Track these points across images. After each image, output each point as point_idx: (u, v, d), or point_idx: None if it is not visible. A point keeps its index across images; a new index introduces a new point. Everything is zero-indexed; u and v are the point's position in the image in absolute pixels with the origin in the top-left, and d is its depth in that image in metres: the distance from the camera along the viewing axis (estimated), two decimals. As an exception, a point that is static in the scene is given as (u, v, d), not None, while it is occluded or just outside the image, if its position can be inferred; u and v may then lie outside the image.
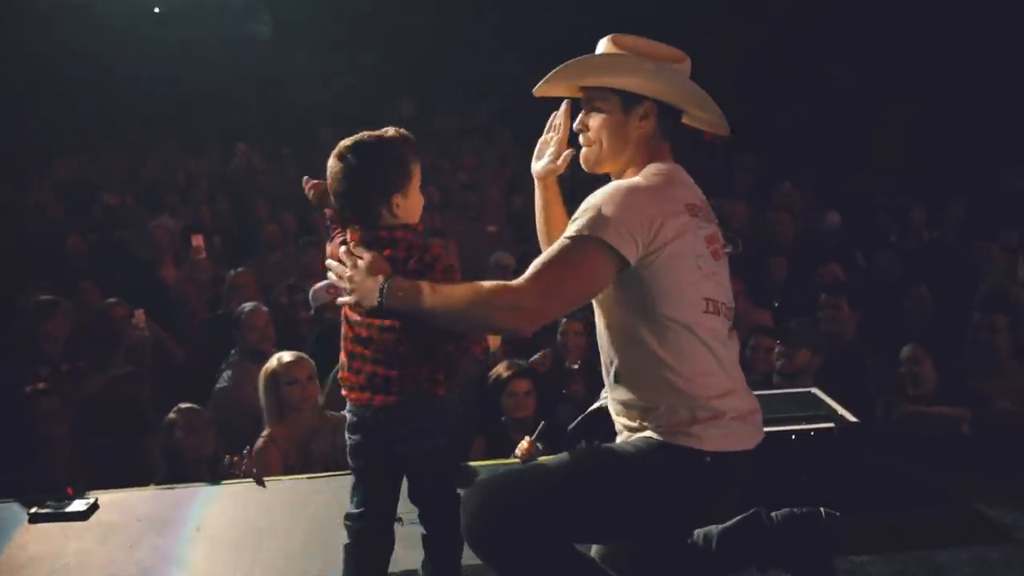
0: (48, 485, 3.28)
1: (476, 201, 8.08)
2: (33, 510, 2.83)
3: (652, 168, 1.96)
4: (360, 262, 1.92)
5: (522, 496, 1.85)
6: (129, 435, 3.65)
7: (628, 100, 2.00)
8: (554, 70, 2.02)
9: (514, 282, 1.82)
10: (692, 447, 1.83)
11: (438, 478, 2.09)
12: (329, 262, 2.04)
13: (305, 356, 3.68)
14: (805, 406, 2.87)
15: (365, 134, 2.01)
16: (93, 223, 7.96)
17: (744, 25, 11.64)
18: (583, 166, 2.09)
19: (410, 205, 2.03)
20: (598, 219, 1.80)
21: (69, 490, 2.93)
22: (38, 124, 12.42)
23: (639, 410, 1.92)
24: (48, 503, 2.87)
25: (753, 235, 6.20)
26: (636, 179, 1.93)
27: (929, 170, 8.52)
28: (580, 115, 2.07)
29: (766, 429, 2.09)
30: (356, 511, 2.12)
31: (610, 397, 2.06)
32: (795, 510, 2.06)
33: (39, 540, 2.71)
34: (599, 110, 2.02)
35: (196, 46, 14.60)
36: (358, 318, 2.03)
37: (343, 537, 2.13)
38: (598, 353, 2.07)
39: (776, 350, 3.89)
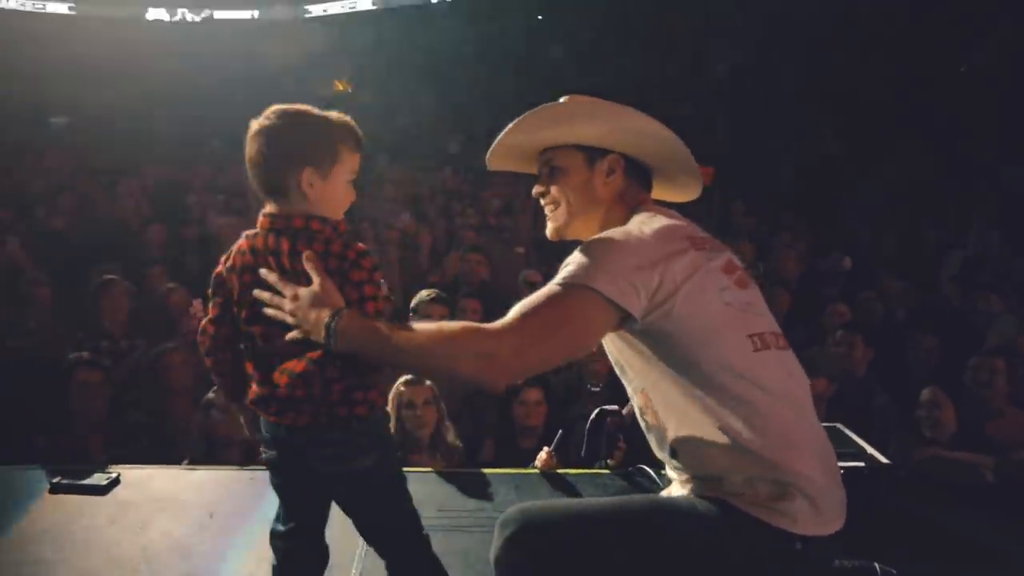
0: (80, 455, 2.88)
1: (508, 225, 7.64)
2: (56, 480, 2.41)
3: (638, 216, 1.50)
4: (301, 292, 1.39)
5: (566, 539, 1.33)
6: (162, 411, 3.23)
7: (591, 154, 1.54)
8: (506, 128, 1.56)
9: (490, 325, 1.34)
10: (781, 528, 1.30)
11: (369, 499, 1.58)
12: (259, 293, 1.45)
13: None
14: (833, 442, 2.36)
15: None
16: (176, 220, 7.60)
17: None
18: (551, 236, 1.64)
19: (330, 191, 1.49)
20: (591, 267, 1.35)
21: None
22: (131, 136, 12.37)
23: (710, 481, 1.38)
24: (71, 474, 2.44)
25: (755, 272, 5.72)
26: (626, 226, 1.47)
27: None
28: (538, 182, 1.64)
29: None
30: (281, 529, 1.62)
31: (669, 472, 1.53)
32: (845, 563, 1.58)
33: (55, 511, 2.30)
34: (560, 170, 1.58)
35: (284, 82, 14.58)
36: (261, 328, 1.49)
37: (271, 557, 1.65)
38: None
39: None
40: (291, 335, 1.42)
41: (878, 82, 10.15)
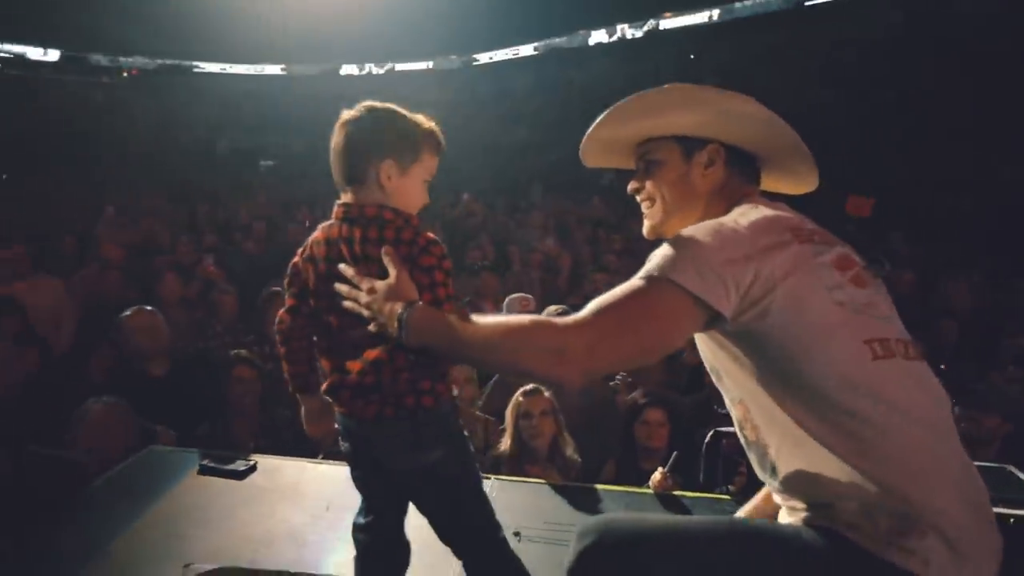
0: (233, 443, 3.02)
1: (650, 250, 7.33)
2: (204, 462, 2.53)
3: (739, 208, 1.29)
4: (377, 284, 1.33)
5: (645, 557, 1.11)
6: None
7: (688, 145, 1.33)
8: (597, 120, 1.39)
9: (563, 319, 1.18)
10: (907, 568, 1.03)
11: (439, 496, 1.47)
12: (338, 286, 1.40)
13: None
14: (1000, 485, 1.92)
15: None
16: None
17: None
18: (647, 235, 1.46)
19: (407, 187, 1.43)
20: (676, 260, 1.16)
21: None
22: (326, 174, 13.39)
23: (819, 508, 1.13)
24: (217, 459, 2.55)
25: (921, 300, 5.03)
26: (722, 217, 1.25)
27: None
28: (633, 178, 1.46)
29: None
30: (362, 522, 1.56)
31: (774, 496, 1.30)
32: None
33: (199, 489, 2.40)
34: (656, 163, 1.40)
35: (453, 122, 15.27)
36: (335, 318, 1.44)
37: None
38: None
39: (956, 412, 2.79)
40: (368, 328, 1.35)
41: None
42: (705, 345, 1.31)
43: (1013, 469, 2.04)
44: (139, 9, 18.85)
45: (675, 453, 2.44)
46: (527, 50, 22.09)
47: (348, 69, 24.09)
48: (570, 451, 2.93)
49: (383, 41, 21.60)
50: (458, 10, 18.27)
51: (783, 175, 1.45)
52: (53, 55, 21.79)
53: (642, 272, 1.20)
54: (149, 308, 3.59)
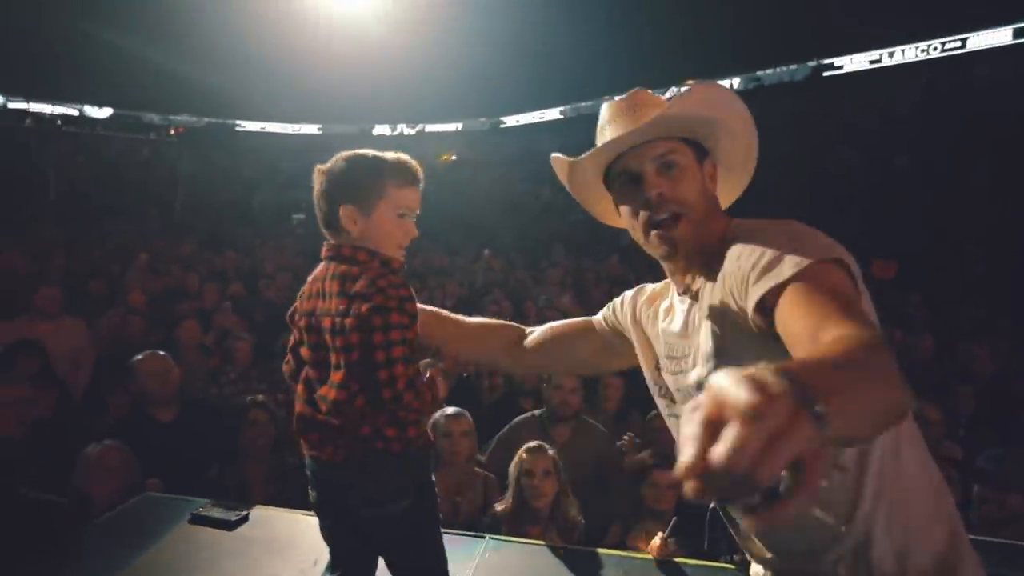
0: (244, 487, 2.97)
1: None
2: (196, 511, 2.45)
3: (752, 222, 1.16)
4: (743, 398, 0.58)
5: None
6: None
7: (700, 152, 1.20)
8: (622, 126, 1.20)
9: (867, 331, 0.83)
10: None
11: (401, 549, 1.41)
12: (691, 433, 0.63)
13: (465, 413, 3.10)
14: (1017, 564, 1.76)
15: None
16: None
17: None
18: (675, 252, 1.19)
19: (375, 226, 1.41)
20: (812, 244, 0.98)
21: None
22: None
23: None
24: (209, 508, 2.47)
25: (939, 366, 4.83)
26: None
27: None
28: (648, 182, 1.19)
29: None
30: None
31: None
32: None
33: (188, 539, 2.30)
34: (680, 167, 1.19)
35: (480, 181, 15.54)
36: (307, 353, 1.42)
37: None
38: None
39: (977, 491, 2.61)
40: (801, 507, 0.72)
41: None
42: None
43: (1035, 548, 1.87)
44: (187, 72, 19.71)
45: (674, 518, 2.31)
46: (553, 113, 22.56)
47: (380, 129, 24.80)
48: (573, 512, 2.78)
49: (414, 103, 22.25)
50: (486, 75, 18.80)
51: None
52: (106, 111, 22.81)
53: (796, 262, 0.95)
54: (161, 353, 3.56)
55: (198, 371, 4.68)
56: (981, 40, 14.75)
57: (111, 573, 2.03)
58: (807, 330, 0.86)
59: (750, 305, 0.99)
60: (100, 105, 22.49)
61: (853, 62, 17.38)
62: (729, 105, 1.21)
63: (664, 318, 1.31)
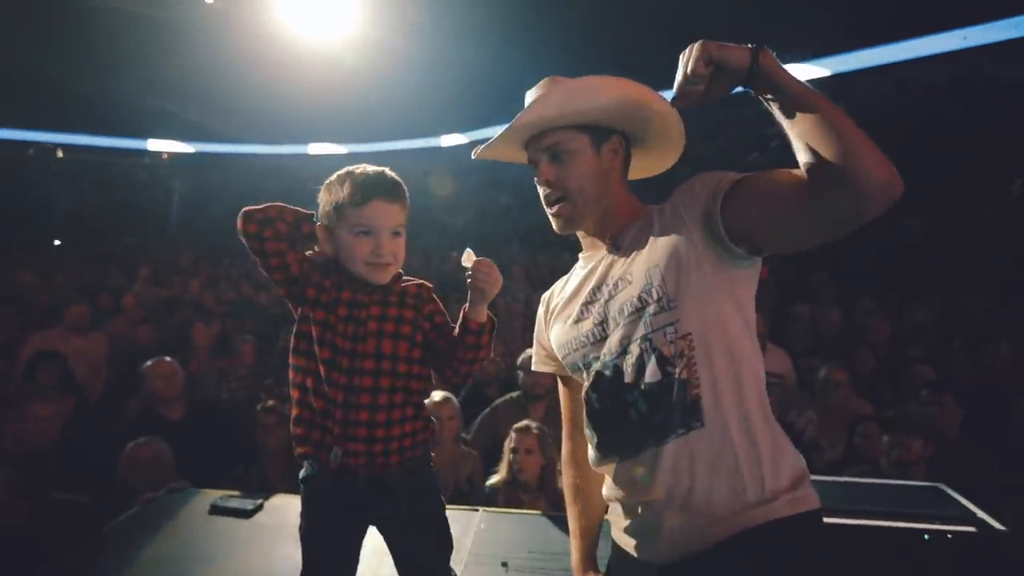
0: (266, 483, 2.89)
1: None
2: (216, 501, 2.34)
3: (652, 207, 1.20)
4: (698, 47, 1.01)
5: None
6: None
7: (598, 135, 1.17)
8: (525, 113, 1.17)
9: None
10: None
11: (436, 530, 1.36)
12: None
13: (452, 397, 3.05)
14: (934, 503, 1.79)
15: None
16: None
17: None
18: (559, 229, 1.24)
19: (338, 246, 1.31)
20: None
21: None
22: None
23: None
24: (228, 498, 2.37)
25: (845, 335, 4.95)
26: None
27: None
28: (539, 172, 1.22)
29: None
30: None
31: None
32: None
33: (207, 529, 2.20)
34: (568, 153, 1.18)
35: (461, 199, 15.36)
36: (329, 357, 1.30)
37: None
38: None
39: (886, 439, 2.67)
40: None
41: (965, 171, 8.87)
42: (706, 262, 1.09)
43: (945, 488, 1.92)
44: (176, 99, 18.87)
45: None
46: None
47: (359, 147, 24.21)
48: (559, 482, 2.75)
49: (390, 122, 21.69)
50: (458, 94, 18.38)
51: (648, 160, 1.31)
52: (103, 141, 21.78)
53: (731, 175, 1.09)
54: (168, 358, 3.49)
55: (210, 370, 4.53)
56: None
57: (137, 563, 1.93)
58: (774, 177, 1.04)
59: (718, 206, 1.06)
60: (99, 135, 21.49)
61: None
62: (603, 92, 1.15)
63: (572, 281, 1.30)
